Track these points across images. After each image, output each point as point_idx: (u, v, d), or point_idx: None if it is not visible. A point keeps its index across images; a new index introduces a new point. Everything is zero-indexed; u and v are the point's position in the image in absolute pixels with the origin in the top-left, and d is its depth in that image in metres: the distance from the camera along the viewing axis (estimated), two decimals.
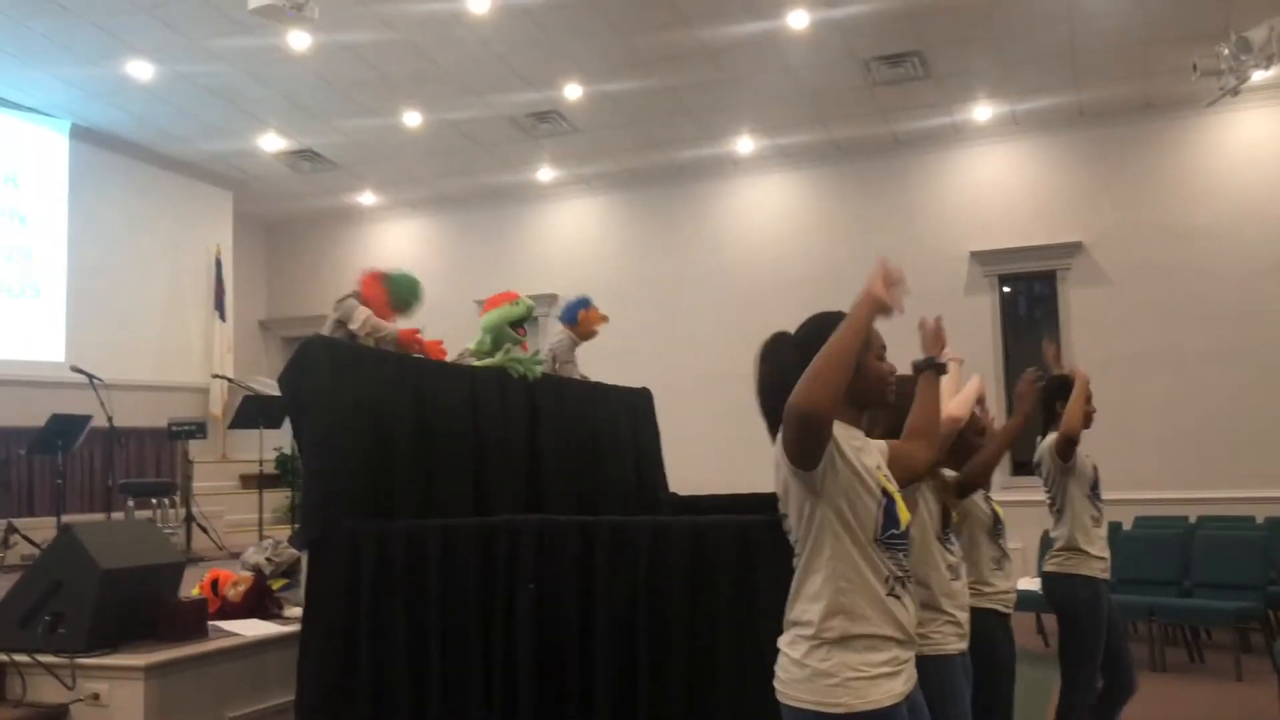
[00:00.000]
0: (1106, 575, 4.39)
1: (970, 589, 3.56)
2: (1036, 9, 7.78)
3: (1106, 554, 4.40)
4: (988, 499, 3.75)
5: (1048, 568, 4.47)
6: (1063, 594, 4.39)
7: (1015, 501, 8.21)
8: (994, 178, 10.23)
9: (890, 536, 2.17)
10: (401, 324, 4.95)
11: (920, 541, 2.98)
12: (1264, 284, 9.12)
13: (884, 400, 2.42)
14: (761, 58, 8.57)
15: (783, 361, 2.27)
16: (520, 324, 4.55)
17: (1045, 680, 6.13)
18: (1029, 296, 10.35)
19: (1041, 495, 4.61)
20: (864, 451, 2.24)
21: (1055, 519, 4.48)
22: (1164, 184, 9.56)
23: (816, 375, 2.03)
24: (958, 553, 3.08)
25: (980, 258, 10.13)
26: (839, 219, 10.69)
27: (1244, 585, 6.96)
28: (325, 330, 4.81)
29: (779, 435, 2.14)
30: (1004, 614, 3.67)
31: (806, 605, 2.14)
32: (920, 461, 2.50)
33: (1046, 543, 7.80)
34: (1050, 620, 7.41)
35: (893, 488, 2.24)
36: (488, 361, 4.46)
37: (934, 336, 2.65)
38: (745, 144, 10.57)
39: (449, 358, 4.65)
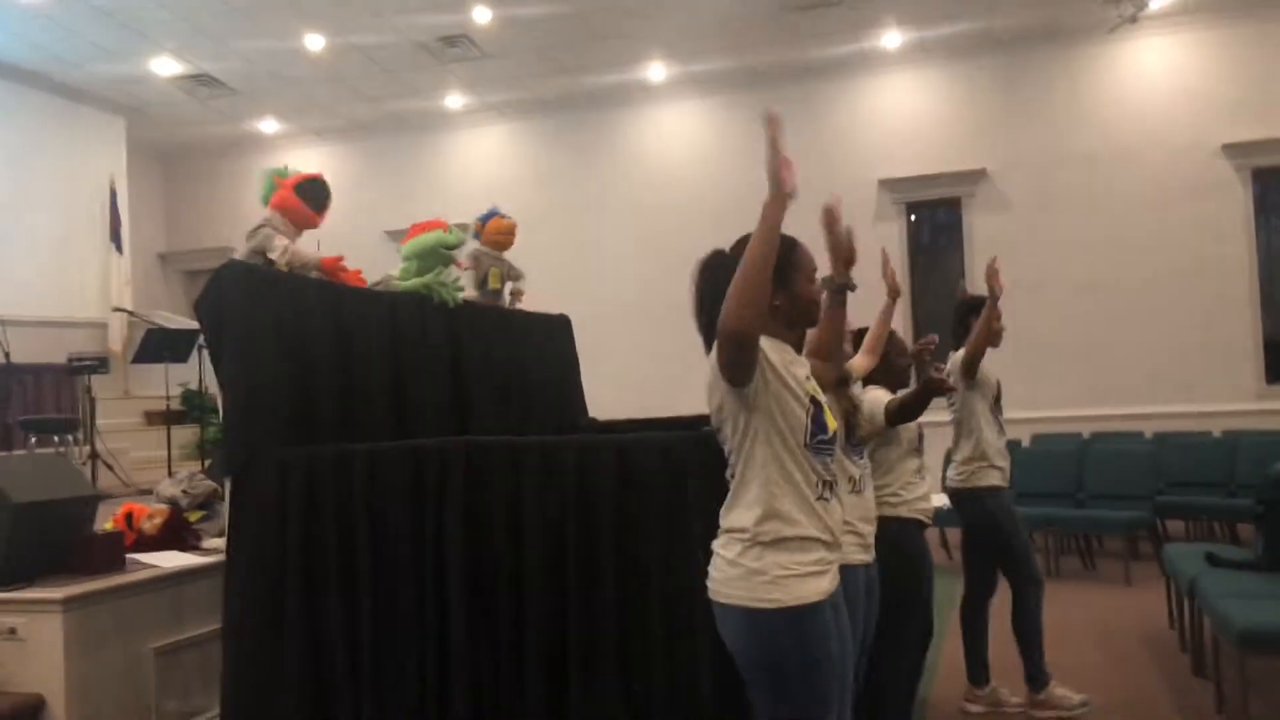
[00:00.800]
0: (1006, 484, 4.58)
1: (894, 498, 3.72)
2: None
3: (1005, 463, 4.58)
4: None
5: (953, 483, 4.63)
6: (972, 507, 4.57)
7: (924, 422, 8.54)
8: (902, 106, 10.36)
9: (819, 442, 2.26)
10: (325, 253, 4.82)
11: None
12: (1161, 210, 9.47)
13: (812, 321, 2.50)
14: None
15: (719, 280, 2.31)
16: (453, 248, 4.50)
17: (949, 590, 6.42)
18: (935, 224, 10.57)
19: (946, 415, 4.76)
20: (794, 363, 2.33)
21: (957, 432, 4.64)
22: (1065, 112, 9.81)
23: (739, 293, 2.09)
24: (864, 465, 3.19)
25: (888, 185, 10.30)
26: (751, 145, 10.68)
27: (1134, 496, 7.34)
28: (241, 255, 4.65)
29: (712, 354, 2.20)
30: (924, 523, 3.85)
31: (742, 512, 2.23)
32: (826, 380, 2.60)
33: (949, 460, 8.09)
34: (954, 534, 7.77)
35: (821, 397, 2.33)
36: (412, 283, 4.41)
37: (845, 256, 2.71)
38: (658, 70, 10.50)
39: (371, 281, 4.57)
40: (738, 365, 2.16)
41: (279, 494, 3.05)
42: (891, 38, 9.80)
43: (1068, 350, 9.55)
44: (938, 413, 7.58)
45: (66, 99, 10.60)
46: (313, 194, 4.50)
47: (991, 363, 4.60)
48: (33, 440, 8.10)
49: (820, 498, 2.25)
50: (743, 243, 2.43)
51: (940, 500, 7.62)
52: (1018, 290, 9.44)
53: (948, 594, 5.00)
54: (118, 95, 10.87)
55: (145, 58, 9.87)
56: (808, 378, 2.34)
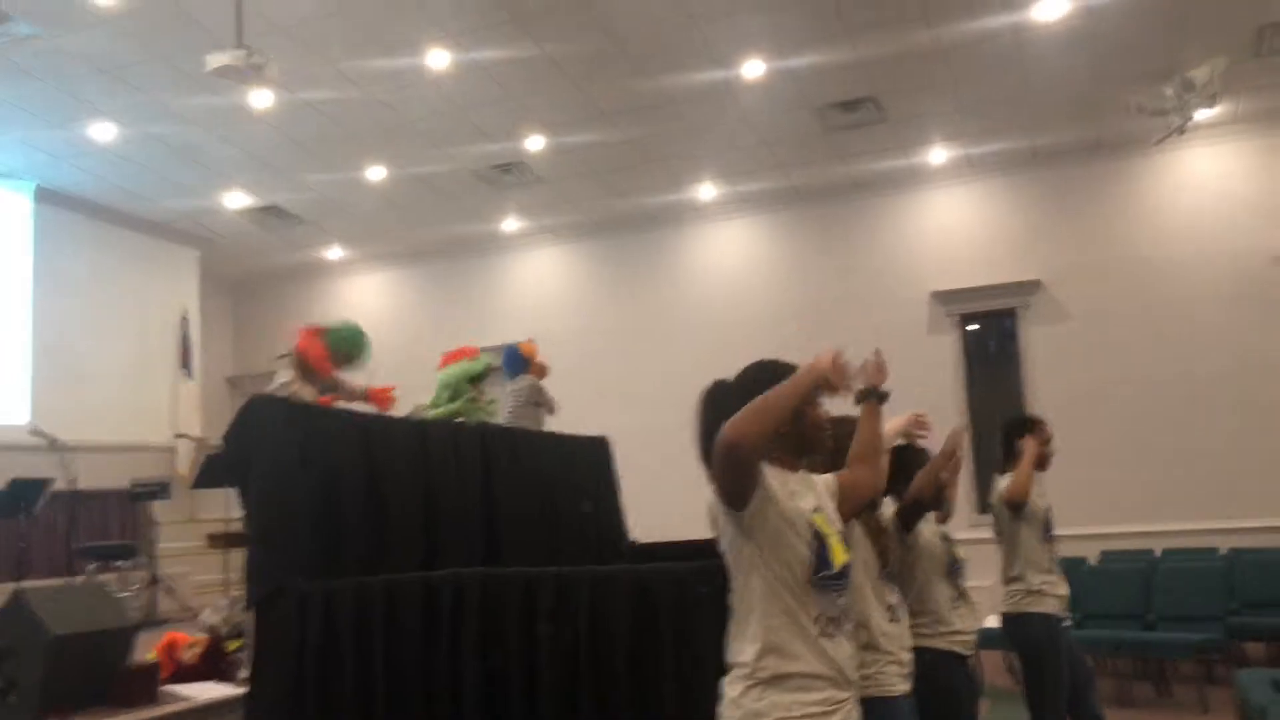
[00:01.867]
0: (1063, 612, 4.42)
1: (929, 629, 3.59)
2: (988, 54, 7.95)
3: (1063, 590, 4.43)
4: (945, 539, 3.78)
5: (1003, 608, 4.50)
6: (1019, 633, 4.43)
7: (984, 539, 8.29)
8: (952, 219, 10.38)
9: (823, 578, 2.20)
10: (356, 381, 4.90)
11: (859, 581, 3.01)
12: (1215, 314, 9.27)
13: (821, 446, 2.47)
14: (719, 107, 8.70)
15: (722, 409, 2.31)
16: (479, 380, 4.58)
17: (1013, 716, 6.14)
18: (992, 334, 10.45)
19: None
20: (799, 495, 2.28)
21: (1006, 559, 4.52)
22: (1117, 221, 9.74)
23: (750, 411, 2.10)
24: (898, 594, 3.10)
25: (941, 298, 10.25)
26: (801, 263, 10.81)
27: (1206, 617, 7.01)
28: (301, 389, 4.73)
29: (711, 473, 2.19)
30: (963, 655, 3.69)
31: (743, 645, 2.18)
32: (866, 486, 2.55)
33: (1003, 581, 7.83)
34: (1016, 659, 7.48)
35: (828, 529, 2.27)
36: (446, 409, 4.48)
37: (875, 369, 2.69)
38: (706, 191, 10.70)
39: (405, 411, 4.65)
40: (733, 482, 2.14)
41: (299, 627, 3.06)
42: (937, 154, 9.89)
43: (1134, 462, 9.27)
44: (987, 530, 7.46)
45: (143, 233, 11.11)
46: (335, 343, 4.56)
47: (1044, 484, 4.48)
48: (93, 567, 8.26)
49: (824, 634, 2.17)
50: (749, 370, 2.44)
51: (998, 621, 7.40)
52: (1079, 401, 9.33)
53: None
54: (191, 228, 11.37)
55: (217, 192, 10.34)
56: (815, 509, 2.29)
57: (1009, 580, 4.46)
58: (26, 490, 7.78)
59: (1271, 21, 7.59)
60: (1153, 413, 9.34)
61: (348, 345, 4.64)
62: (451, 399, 4.55)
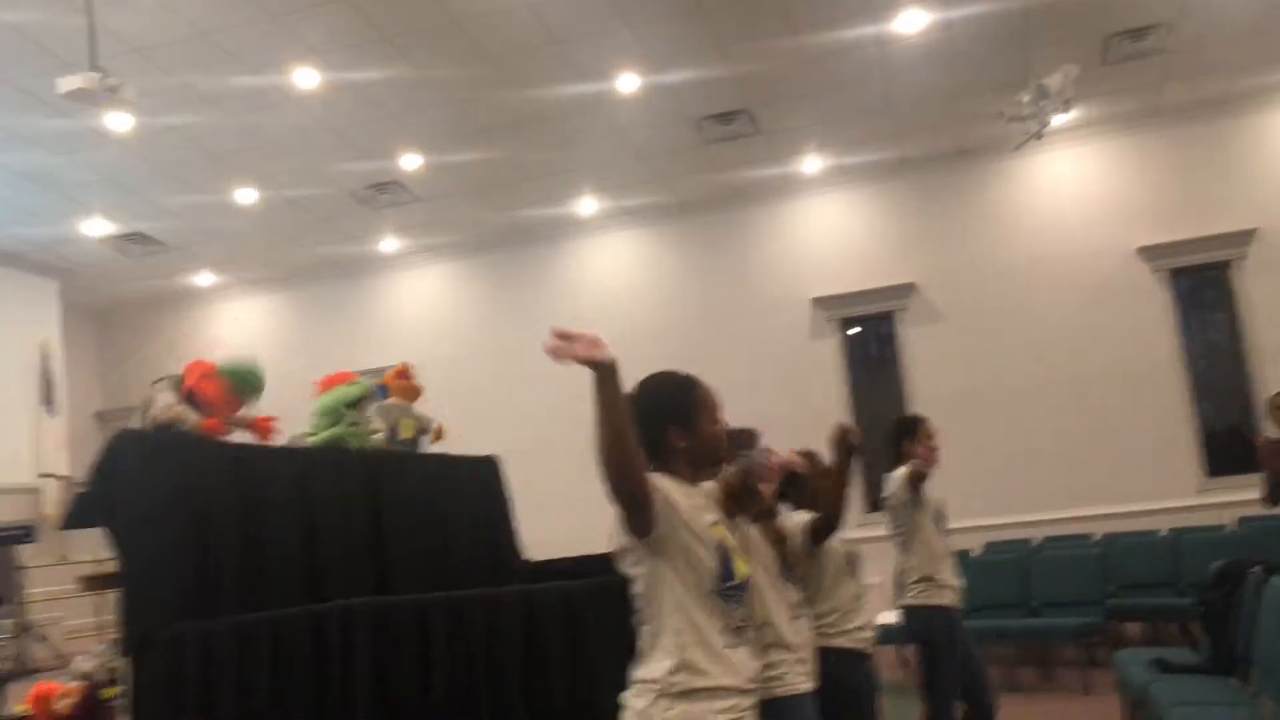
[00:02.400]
0: (959, 604, 4.54)
1: (831, 628, 3.64)
2: (853, 66, 8.15)
3: (957, 582, 4.56)
4: (842, 540, 3.84)
5: (907, 600, 4.59)
6: (920, 625, 4.53)
7: (873, 538, 8.47)
8: (829, 226, 10.62)
9: (728, 588, 2.21)
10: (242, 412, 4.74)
11: (761, 585, 3.03)
12: (1080, 310, 9.69)
13: (717, 460, 2.46)
14: (595, 121, 8.72)
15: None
16: (356, 405, 4.48)
17: (910, 713, 6.27)
18: (872, 337, 10.71)
19: (887, 530, 4.75)
20: (702, 509, 2.29)
21: (902, 550, 4.61)
22: (983, 224, 10.11)
23: (606, 464, 2.04)
24: (797, 594, 3.14)
25: (822, 303, 10.46)
26: (684, 274, 10.91)
27: (1085, 601, 7.29)
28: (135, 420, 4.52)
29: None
30: (865, 653, 3.75)
31: (653, 664, 2.16)
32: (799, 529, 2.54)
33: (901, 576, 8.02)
34: (913, 652, 7.65)
35: (730, 542, 2.29)
36: (326, 434, 4.37)
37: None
38: (588, 205, 10.70)
39: (284, 441, 4.51)
40: (634, 520, 2.13)
41: (177, 671, 2.93)
42: (810, 163, 10.10)
43: (1012, 455, 9.59)
44: (878, 528, 7.63)
45: None
46: (235, 381, 4.39)
47: (933, 478, 4.59)
48: None
49: (729, 645, 2.19)
50: (647, 382, 2.42)
51: (893, 616, 7.58)
52: (957, 399, 9.62)
53: (909, 716, 4.87)
54: (49, 257, 10.85)
55: (75, 219, 9.89)
56: (715, 523, 2.30)
57: (907, 574, 4.56)
58: None
59: (1118, 30, 7.99)
60: (1027, 407, 9.69)
61: (249, 385, 4.45)
62: (331, 425, 4.43)
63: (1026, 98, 8.40)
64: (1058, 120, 8.67)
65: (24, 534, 8.49)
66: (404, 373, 5.80)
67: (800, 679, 2.92)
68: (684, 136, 9.20)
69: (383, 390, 6.03)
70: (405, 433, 5.23)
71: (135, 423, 4.02)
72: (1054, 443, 9.56)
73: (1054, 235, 9.88)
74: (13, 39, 6.75)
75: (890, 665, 7.46)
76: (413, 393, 5.98)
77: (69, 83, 6.17)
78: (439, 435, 5.63)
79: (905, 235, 10.33)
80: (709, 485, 2.48)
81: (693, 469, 2.36)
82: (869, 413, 10.13)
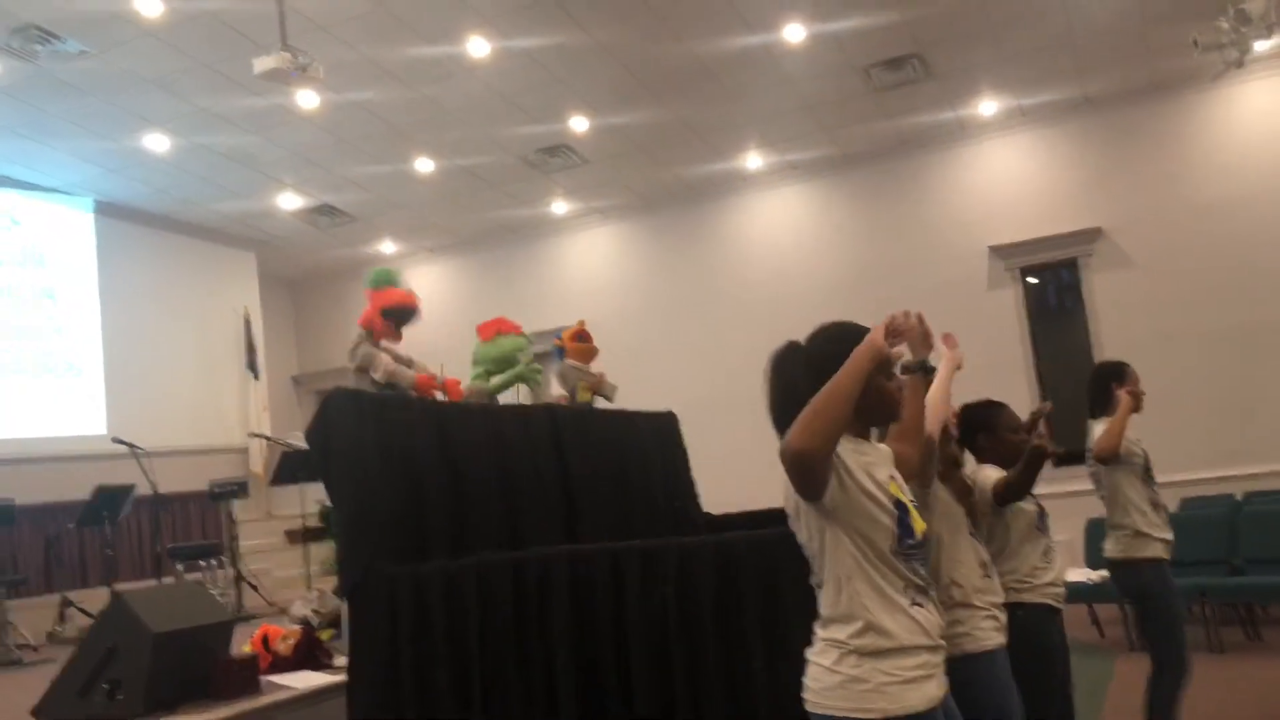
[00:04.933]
0: (1168, 555, 4.36)
1: (1021, 584, 3.57)
2: (1026, 3, 7.79)
3: (1168, 534, 4.37)
4: (1032, 495, 3.75)
5: (1109, 554, 4.45)
6: (1131, 580, 4.39)
7: (1059, 494, 8.18)
8: (1007, 171, 10.21)
9: (907, 547, 2.18)
10: (420, 371, 5.05)
11: (950, 541, 3.00)
12: None
13: (893, 418, 2.43)
14: (761, 73, 8.64)
15: (793, 373, 2.29)
16: (519, 352, 4.71)
17: (1102, 672, 6.08)
18: (1054, 286, 10.29)
19: (1087, 484, 4.59)
20: (875, 465, 2.25)
21: (1109, 506, 4.46)
22: (1177, 162, 9.51)
23: (811, 420, 2.02)
24: (986, 551, 3.09)
25: (1000, 252, 10.10)
26: (855, 226, 10.72)
27: None
28: (352, 381, 4.93)
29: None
30: (1055, 608, 3.66)
31: (836, 627, 2.15)
32: (907, 464, 2.46)
33: (1095, 531, 7.74)
34: (1105, 610, 7.40)
35: (906, 497, 2.25)
36: (508, 375, 4.57)
37: (923, 337, 2.64)
38: (754, 160, 10.63)
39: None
40: (807, 484, 2.10)
41: (390, 611, 3.13)
42: (987, 106, 9.73)
43: (1210, 407, 9.08)
44: (1067, 483, 7.34)
45: (201, 238, 11.32)
46: (398, 318, 4.79)
47: (1136, 431, 4.40)
48: (180, 567, 8.49)
49: (914, 604, 2.16)
50: (818, 334, 2.40)
51: (1082, 575, 7.33)
52: (1147, 349, 9.12)
53: (1101, 675, 4.74)
54: (247, 230, 11.56)
55: (270, 194, 10.50)
56: (890, 478, 2.26)
57: (1114, 527, 4.41)
58: (112, 497, 8.01)
59: None
60: (1223, 357, 9.13)
61: (380, 278, 4.89)
62: (500, 371, 4.68)
63: (1225, 24, 7.82)
64: (1260, 47, 8.07)
65: (237, 489, 9.15)
66: (580, 334, 5.96)
67: (990, 634, 2.87)
68: (852, 85, 9.00)
69: (560, 352, 6.21)
70: (582, 396, 5.39)
71: (356, 383, 4.31)
72: (1257, 392, 8.99)
73: (1256, 171, 9.21)
74: (211, 25, 7.18)
75: (1082, 624, 7.24)
76: (589, 354, 6.15)
77: (263, 63, 6.55)
78: (605, 392, 5.80)
79: (1090, 178, 9.84)
80: (883, 446, 2.44)
81: (864, 425, 2.32)
82: (1051, 365, 9.75)
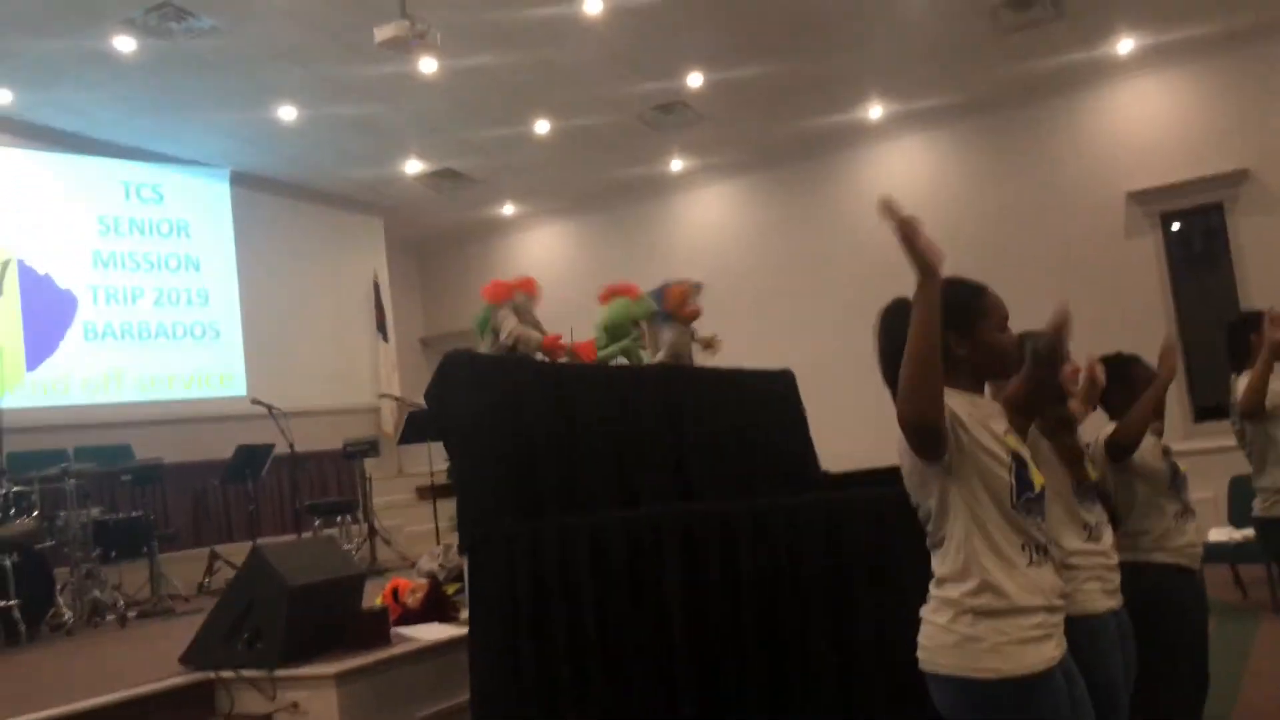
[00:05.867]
0: None
1: (1153, 544, 3.44)
2: None
3: None
4: (1166, 453, 3.61)
5: (1256, 512, 4.29)
6: (1274, 538, 4.22)
7: (1201, 450, 7.82)
8: (1145, 112, 9.71)
9: (1026, 501, 2.12)
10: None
11: (1050, 502, 2.89)
12: None
13: (1006, 373, 2.35)
14: (881, 20, 8.38)
15: (900, 330, 2.23)
16: (639, 321, 4.72)
17: (1244, 634, 5.83)
18: (1197, 232, 9.75)
19: (1229, 440, 4.40)
20: (991, 418, 2.20)
21: (1256, 463, 4.27)
22: None
23: (908, 387, 1.98)
24: (1100, 513, 2.97)
25: (1138, 198, 9.63)
26: (982, 174, 10.35)
27: None
28: (485, 345, 5.07)
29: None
30: (1188, 569, 3.52)
31: (951, 586, 2.11)
32: (1015, 426, 2.38)
33: (1237, 490, 7.38)
34: (1248, 571, 7.06)
35: (1023, 450, 2.19)
36: (614, 348, 4.62)
37: (1061, 321, 2.49)
38: (875, 110, 10.36)
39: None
40: (926, 447, 2.06)
41: (508, 568, 3.21)
42: (1123, 45, 9.23)
43: None
44: (1210, 438, 6.99)
45: (330, 206, 11.69)
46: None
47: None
48: (317, 523, 8.86)
49: (1032, 563, 2.10)
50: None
51: (1225, 534, 7.02)
52: None
53: (1243, 637, 4.55)
54: (374, 197, 11.88)
55: (395, 160, 10.75)
56: (1007, 431, 2.20)
57: (1261, 485, 4.23)
58: (253, 456, 8.40)
59: None
60: None
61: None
62: (611, 340, 4.70)
63: None
64: None
65: (369, 448, 9.48)
66: (684, 296, 5.95)
67: (1097, 597, 2.77)
68: (978, 28, 8.65)
69: (665, 316, 6.18)
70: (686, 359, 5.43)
71: (485, 347, 4.44)
72: None
73: None
74: None
75: (1225, 585, 6.94)
76: (692, 315, 6.13)
77: (383, 32, 6.69)
78: (710, 344, 5.78)
79: (1235, 117, 9.26)
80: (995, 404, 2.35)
81: (976, 379, 2.26)
82: (1195, 316, 9.29)
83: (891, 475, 4.48)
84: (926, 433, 2.03)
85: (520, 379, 3.65)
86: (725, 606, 2.85)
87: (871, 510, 2.69)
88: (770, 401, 5.31)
